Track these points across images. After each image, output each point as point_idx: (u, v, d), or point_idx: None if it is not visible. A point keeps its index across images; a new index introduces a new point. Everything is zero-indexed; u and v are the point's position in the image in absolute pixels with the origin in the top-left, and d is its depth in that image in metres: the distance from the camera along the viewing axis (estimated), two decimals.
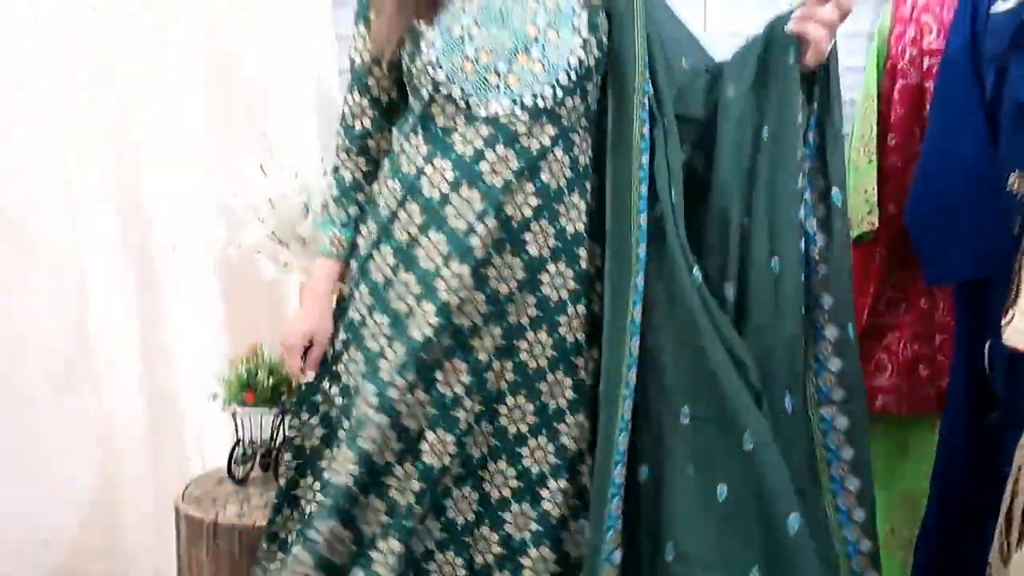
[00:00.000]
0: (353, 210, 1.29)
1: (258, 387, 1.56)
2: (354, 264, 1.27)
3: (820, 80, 1.17)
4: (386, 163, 1.27)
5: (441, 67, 1.16)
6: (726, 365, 1.10)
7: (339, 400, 1.26)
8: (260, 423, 1.56)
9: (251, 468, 1.58)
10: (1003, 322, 1.10)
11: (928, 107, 1.52)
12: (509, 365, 1.20)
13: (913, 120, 1.55)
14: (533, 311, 1.19)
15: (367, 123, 1.28)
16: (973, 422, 1.37)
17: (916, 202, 1.40)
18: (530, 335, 1.19)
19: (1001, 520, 1.22)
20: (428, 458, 1.17)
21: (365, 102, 1.28)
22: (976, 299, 1.37)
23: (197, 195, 1.72)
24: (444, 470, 1.18)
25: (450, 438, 1.17)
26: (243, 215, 1.64)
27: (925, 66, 1.53)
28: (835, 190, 1.16)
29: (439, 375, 1.17)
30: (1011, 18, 1.31)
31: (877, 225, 1.52)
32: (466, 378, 1.18)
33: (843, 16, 1.12)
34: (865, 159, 1.55)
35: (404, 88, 1.25)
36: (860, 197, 1.55)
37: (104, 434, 1.67)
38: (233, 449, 1.56)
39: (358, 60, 1.26)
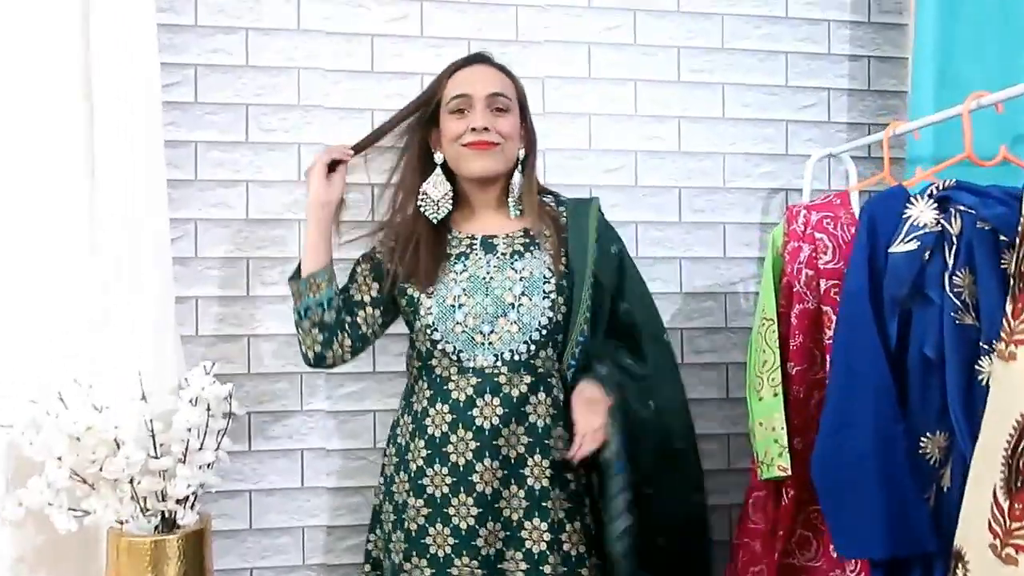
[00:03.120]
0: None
1: None
2: (383, 484, 1.48)
3: None
4: (402, 400, 1.51)
5: (437, 329, 1.41)
6: None
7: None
8: None
9: None
10: None
11: (828, 331, 1.40)
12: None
13: (814, 345, 1.43)
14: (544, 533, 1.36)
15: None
16: None
17: (821, 462, 1.23)
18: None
19: None
20: None
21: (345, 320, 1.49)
22: (891, 570, 1.20)
23: None
24: None
25: None
26: (32, 454, 1.32)
27: (822, 288, 1.41)
28: None
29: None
30: (911, 258, 1.20)
31: (789, 472, 1.36)
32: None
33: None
34: (770, 391, 1.41)
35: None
36: (768, 435, 1.39)
37: None
38: None
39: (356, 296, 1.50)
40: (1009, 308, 0.90)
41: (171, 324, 1.55)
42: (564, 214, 1.50)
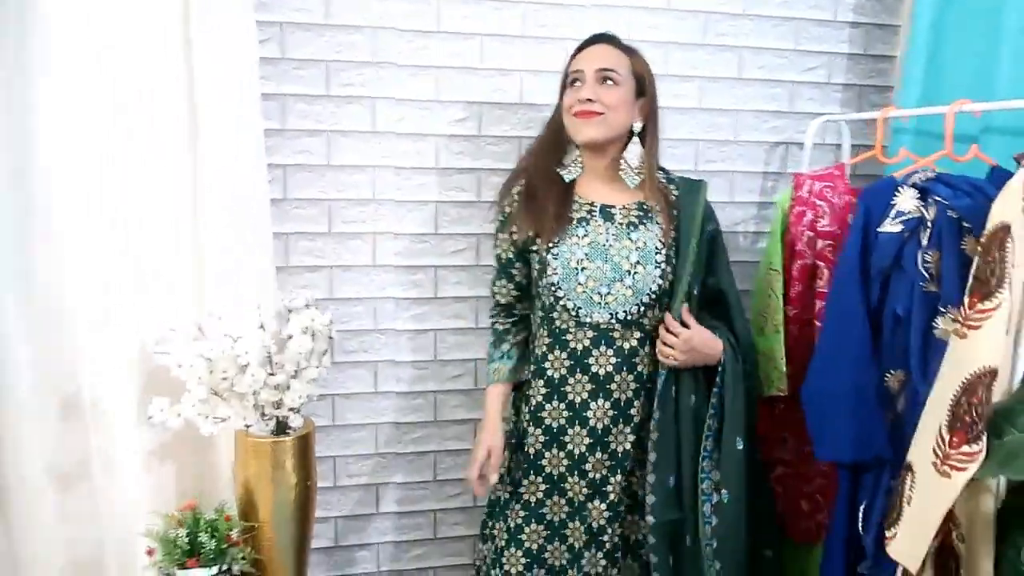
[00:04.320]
0: (504, 347, 1.75)
1: (202, 550, 1.58)
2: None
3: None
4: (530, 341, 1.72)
5: (561, 288, 1.60)
6: None
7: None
8: None
9: None
10: (889, 533, 1.33)
11: (820, 281, 1.75)
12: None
13: (808, 292, 1.77)
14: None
15: (511, 298, 1.74)
16: (848, 571, 1.62)
17: (810, 389, 1.61)
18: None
19: None
20: None
21: (510, 285, 1.73)
22: (854, 470, 1.61)
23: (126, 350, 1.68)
24: None
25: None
26: (179, 374, 1.62)
27: (818, 247, 1.75)
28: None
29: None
30: (895, 238, 1.53)
31: (786, 392, 1.73)
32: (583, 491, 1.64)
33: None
34: (773, 328, 1.76)
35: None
36: (770, 364, 1.76)
37: None
38: None
39: (504, 256, 1.71)
40: (967, 300, 1.24)
41: (270, 256, 1.81)
42: (674, 191, 1.65)
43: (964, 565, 1.26)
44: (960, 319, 1.25)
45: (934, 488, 1.23)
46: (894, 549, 1.31)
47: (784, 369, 1.72)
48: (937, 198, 1.51)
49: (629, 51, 1.64)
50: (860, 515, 1.59)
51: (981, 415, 1.18)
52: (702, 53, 2.07)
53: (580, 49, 1.64)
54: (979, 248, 1.25)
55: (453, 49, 1.91)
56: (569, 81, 1.62)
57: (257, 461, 1.68)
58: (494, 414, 1.72)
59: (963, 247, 1.48)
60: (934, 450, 1.24)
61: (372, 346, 1.99)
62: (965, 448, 1.19)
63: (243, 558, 1.62)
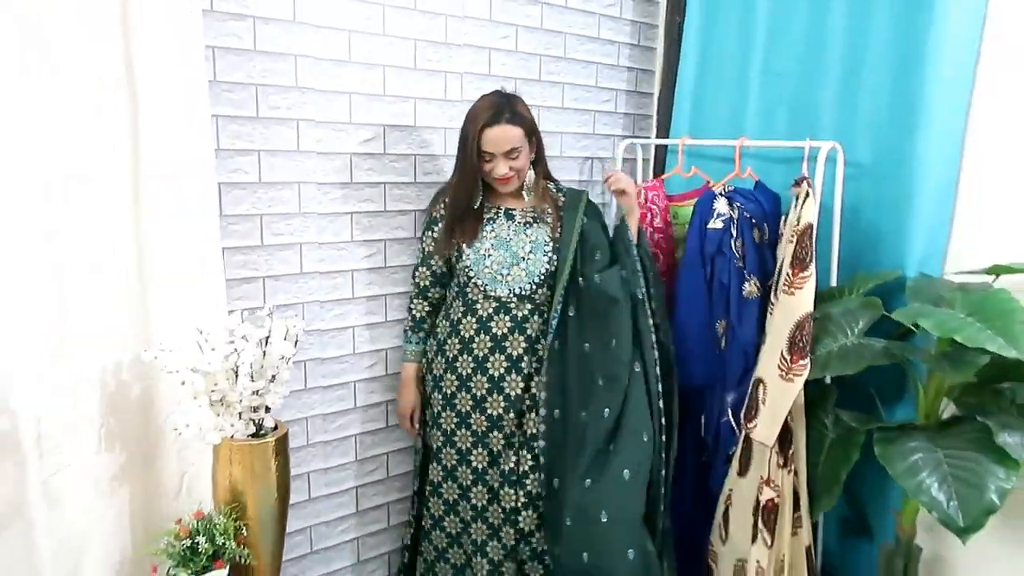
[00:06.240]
0: (421, 334, 2.24)
1: (225, 553, 1.68)
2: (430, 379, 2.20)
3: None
4: (443, 309, 2.19)
5: (472, 269, 2.07)
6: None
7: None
8: None
9: None
10: (751, 424, 2.03)
11: (656, 263, 2.41)
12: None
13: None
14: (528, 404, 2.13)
15: (428, 283, 2.21)
16: (695, 461, 2.33)
17: (673, 342, 2.27)
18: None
19: (718, 518, 2.21)
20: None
21: (427, 272, 2.20)
22: (696, 391, 2.32)
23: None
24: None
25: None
26: (183, 391, 1.68)
27: (655, 239, 2.41)
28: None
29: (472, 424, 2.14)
30: (718, 232, 2.25)
31: None
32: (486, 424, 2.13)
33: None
34: None
35: (450, 265, 2.18)
36: None
37: None
38: None
39: (427, 250, 2.19)
40: (790, 271, 1.98)
41: (222, 271, 1.90)
42: (562, 197, 2.19)
43: (792, 435, 2.02)
44: (787, 284, 1.99)
45: (782, 391, 1.96)
46: (757, 434, 2.02)
47: None
48: (737, 204, 2.26)
49: (520, 120, 2.04)
50: (702, 422, 2.31)
51: (808, 341, 1.93)
52: (539, 87, 2.59)
53: (484, 127, 2.00)
54: (794, 237, 2.00)
55: (362, 77, 2.16)
56: (483, 156, 2.03)
57: (243, 464, 1.80)
58: (411, 383, 2.23)
59: (754, 236, 2.26)
60: (779, 366, 1.97)
61: (302, 347, 2.15)
62: (801, 362, 1.93)
63: (248, 554, 1.76)
